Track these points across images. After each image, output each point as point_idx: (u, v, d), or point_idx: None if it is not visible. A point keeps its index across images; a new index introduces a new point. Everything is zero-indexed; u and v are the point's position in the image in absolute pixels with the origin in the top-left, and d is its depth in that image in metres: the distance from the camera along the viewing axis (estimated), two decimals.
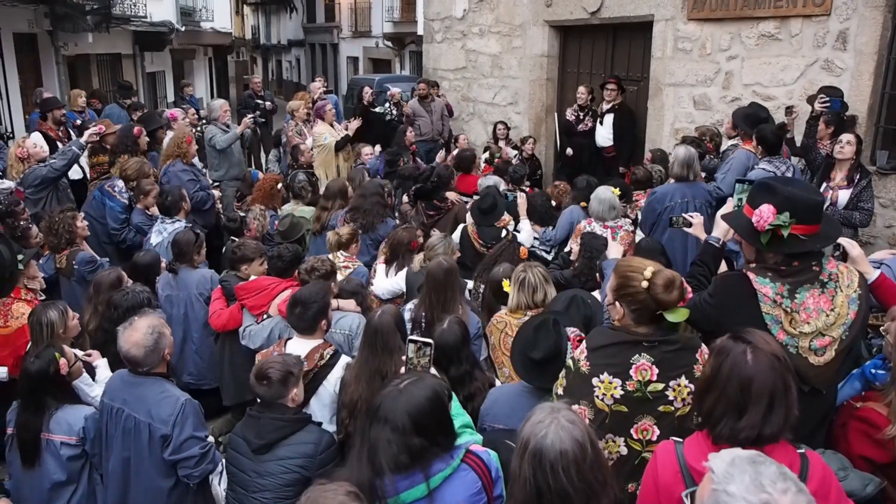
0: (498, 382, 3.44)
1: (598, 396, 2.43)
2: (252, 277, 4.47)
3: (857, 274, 2.61)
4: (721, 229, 3.03)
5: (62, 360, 3.18)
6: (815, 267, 2.54)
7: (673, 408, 2.40)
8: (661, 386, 2.38)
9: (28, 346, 3.81)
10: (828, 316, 2.50)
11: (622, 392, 2.40)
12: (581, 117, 8.48)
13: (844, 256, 2.89)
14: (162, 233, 5.44)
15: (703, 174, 5.96)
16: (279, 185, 6.73)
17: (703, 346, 2.48)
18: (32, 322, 3.70)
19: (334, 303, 4.03)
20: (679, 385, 2.39)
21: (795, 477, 1.51)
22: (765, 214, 2.56)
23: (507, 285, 3.69)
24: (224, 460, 3.04)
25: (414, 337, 2.71)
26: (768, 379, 1.89)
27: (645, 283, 2.37)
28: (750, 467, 1.49)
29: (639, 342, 2.41)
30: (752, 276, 2.59)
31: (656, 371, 2.38)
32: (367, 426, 2.04)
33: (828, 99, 5.48)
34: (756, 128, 5.48)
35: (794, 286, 2.52)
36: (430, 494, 2.02)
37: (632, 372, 2.39)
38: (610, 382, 2.41)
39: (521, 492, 1.85)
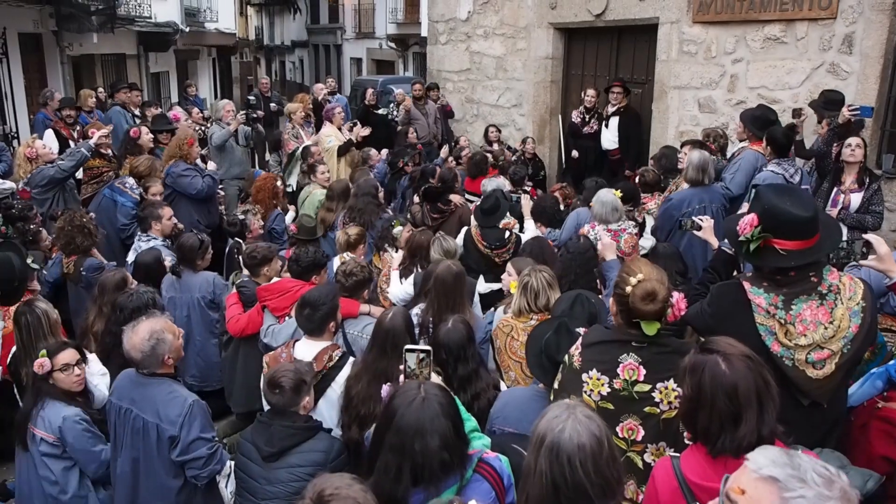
0: (503, 385, 3.44)
1: (586, 392, 2.46)
2: (275, 279, 4.46)
3: (862, 286, 2.52)
4: None
5: (39, 361, 3.23)
6: (814, 278, 2.48)
7: (658, 410, 2.40)
8: (647, 387, 2.39)
9: (13, 349, 3.82)
10: (826, 329, 2.44)
11: (609, 390, 2.43)
12: (587, 119, 8.48)
13: (867, 254, 2.79)
14: (137, 251, 5.25)
15: None
16: (279, 183, 6.81)
17: None
18: (20, 323, 3.70)
19: (366, 307, 4.00)
20: (666, 388, 2.38)
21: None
22: (745, 224, 2.55)
23: (514, 286, 3.69)
24: (232, 463, 3.04)
25: (411, 346, 2.64)
26: (750, 380, 1.89)
27: (629, 289, 2.40)
28: (804, 463, 1.41)
29: (628, 342, 2.43)
30: (747, 285, 2.57)
31: (643, 372, 2.39)
32: (406, 443, 2.00)
33: (857, 107, 5.35)
34: (766, 129, 5.45)
35: (790, 297, 2.48)
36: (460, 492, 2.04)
37: (619, 370, 2.41)
38: (598, 379, 2.44)
39: (536, 487, 1.85)
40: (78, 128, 7.77)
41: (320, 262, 4.42)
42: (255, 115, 8.47)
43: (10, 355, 3.85)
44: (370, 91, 10.46)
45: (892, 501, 2.53)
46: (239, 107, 9.81)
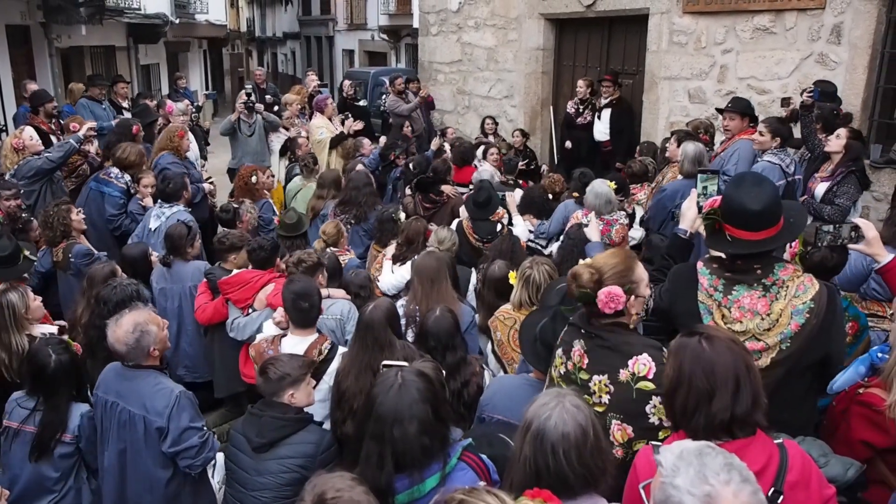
0: (501, 373, 3.48)
1: (553, 366, 2.56)
2: (235, 271, 4.47)
3: (817, 288, 2.44)
4: (688, 220, 2.99)
5: (76, 344, 3.25)
6: (759, 270, 2.48)
7: (592, 401, 2.38)
8: (587, 376, 2.43)
9: None
10: (763, 320, 2.45)
11: (564, 370, 2.50)
12: (581, 110, 8.49)
13: (855, 238, 2.75)
14: (160, 217, 5.39)
15: None
16: (253, 178, 6.71)
17: (642, 355, 2.34)
18: None
19: (325, 291, 4.02)
20: (600, 381, 2.39)
21: (744, 467, 1.52)
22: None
23: (513, 277, 3.69)
24: (220, 454, 3.04)
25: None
26: (729, 361, 1.91)
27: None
28: (696, 459, 1.50)
29: (580, 328, 2.48)
30: (699, 265, 2.64)
31: (587, 361, 2.43)
32: (385, 430, 2.02)
33: (812, 89, 5.52)
34: (750, 110, 5.47)
35: (732, 283, 2.51)
36: (443, 480, 2.05)
37: (572, 354, 2.48)
38: (560, 357, 2.52)
39: (520, 472, 1.87)
40: (54, 120, 7.47)
41: (279, 246, 4.59)
42: (251, 105, 8.42)
43: None
44: (347, 83, 10.79)
45: (873, 486, 2.55)
46: (230, 98, 9.73)
